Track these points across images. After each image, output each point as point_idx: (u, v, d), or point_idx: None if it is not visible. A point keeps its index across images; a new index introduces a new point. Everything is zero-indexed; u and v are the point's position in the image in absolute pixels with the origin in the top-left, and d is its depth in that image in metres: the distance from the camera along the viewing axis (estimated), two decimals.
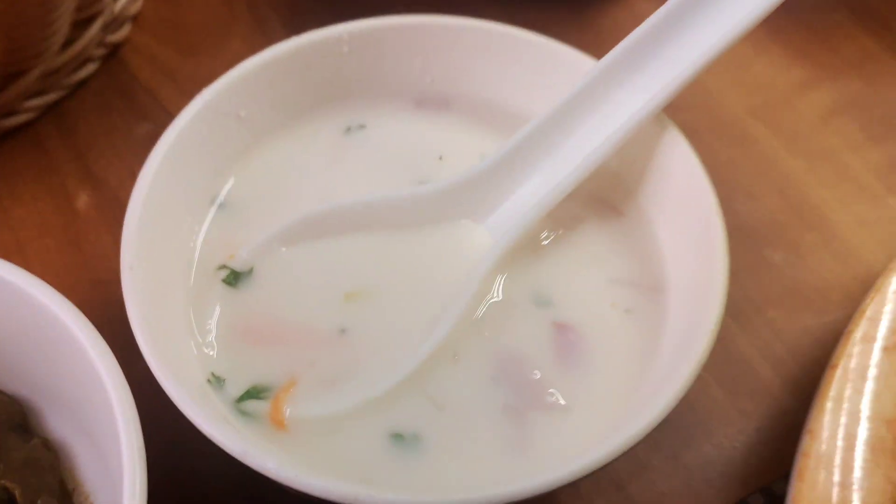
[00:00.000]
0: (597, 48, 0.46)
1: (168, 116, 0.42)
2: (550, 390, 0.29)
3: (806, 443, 0.30)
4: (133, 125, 0.42)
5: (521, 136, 0.32)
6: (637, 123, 0.31)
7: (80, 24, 0.41)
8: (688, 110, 0.44)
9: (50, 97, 0.41)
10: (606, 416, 0.28)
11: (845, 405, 0.30)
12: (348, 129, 0.35)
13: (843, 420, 0.30)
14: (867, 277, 0.39)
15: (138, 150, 0.41)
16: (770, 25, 0.49)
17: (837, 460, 0.29)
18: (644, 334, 0.30)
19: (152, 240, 0.28)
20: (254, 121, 0.33)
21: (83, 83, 0.43)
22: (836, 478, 0.29)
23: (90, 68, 0.43)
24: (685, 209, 0.31)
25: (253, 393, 0.28)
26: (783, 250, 0.40)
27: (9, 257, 0.37)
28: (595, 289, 0.31)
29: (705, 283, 0.28)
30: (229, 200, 0.33)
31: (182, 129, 0.30)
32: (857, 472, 0.29)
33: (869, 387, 0.31)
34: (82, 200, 0.40)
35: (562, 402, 0.29)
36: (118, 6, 0.43)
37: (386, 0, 0.48)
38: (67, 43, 0.41)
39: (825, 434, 0.30)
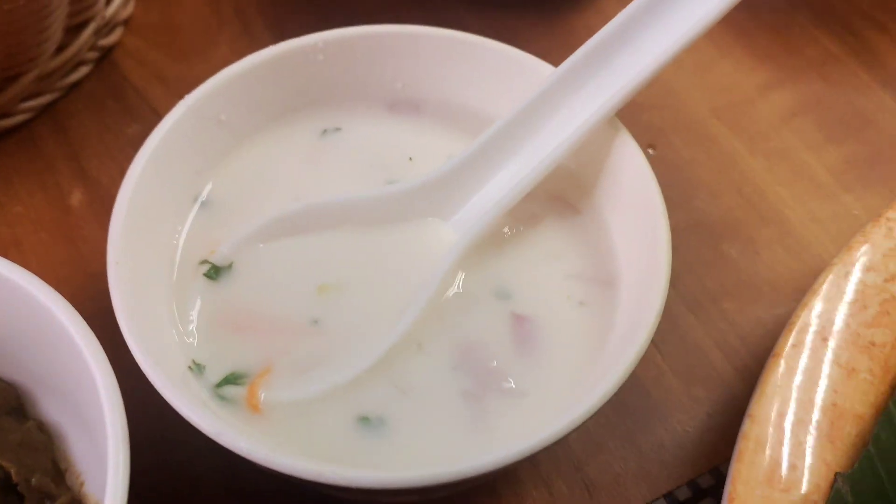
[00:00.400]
0: (568, 51, 0.49)
1: (157, 117, 0.44)
2: (508, 377, 0.31)
3: (746, 426, 0.32)
4: (124, 126, 0.44)
5: (484, 139, 0.34)
6: (591, 127, 0.33)
7: (74, 30, 0.43)
8: (653, 110, 0.47)
9: (44, 99, 0.44)
10: (559, 400, 0.31)
11: (782, 391, 0.32)
12: (324, 132, 0.37)
13: (779, 406, 0.32)
14: (818, 271, 0.41)
15: (129, 149, 0.43)
16: (735, 27, 0.52)
17: (773, 442, 0.31)
18: (596, 325, 0.32)
19: (137, 237, 0.31)
20: (234, 124, 0.35)
21: (76, 85, 0.45)
22: (773, 459, 0.31)
23: (83, 71, 0.45)
24: (636, 210, 0.33)
25: (231, 379, 0.30)
26: (740, 245, 0.42)
27: (6, 251, 0.40)
28: (552, 282, 0.33)
29: (651, 279, 0.30)
30: (210, 199, 0.35)
31: (166, 133, 0.32)
32: (792, 454, 0.31)
33: (804, 374, 0.33)
34: (76, 197, 0.42)
35: (518, 387, 0.31)
36: (110, 11, 0.45)
37: (366, 6, 0.50)
38: (61, 47, 0.43)
39: (763, 418, 0.32)
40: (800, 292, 0.40)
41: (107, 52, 0.47)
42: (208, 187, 0.35)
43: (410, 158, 0.36)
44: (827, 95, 0.48)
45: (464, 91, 0.37)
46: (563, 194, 0.35)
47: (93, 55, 0.45)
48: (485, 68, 0.36)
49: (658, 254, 0.31)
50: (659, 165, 0.44)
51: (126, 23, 0.48)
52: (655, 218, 0.32)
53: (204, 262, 0.33)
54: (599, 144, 0.34)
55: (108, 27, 0.46)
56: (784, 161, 0.45)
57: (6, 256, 0.39)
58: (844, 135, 0.46)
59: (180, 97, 0.45)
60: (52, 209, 0.41)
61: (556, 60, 0.48)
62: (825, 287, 0.35)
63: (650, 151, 0.45)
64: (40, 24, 0.39)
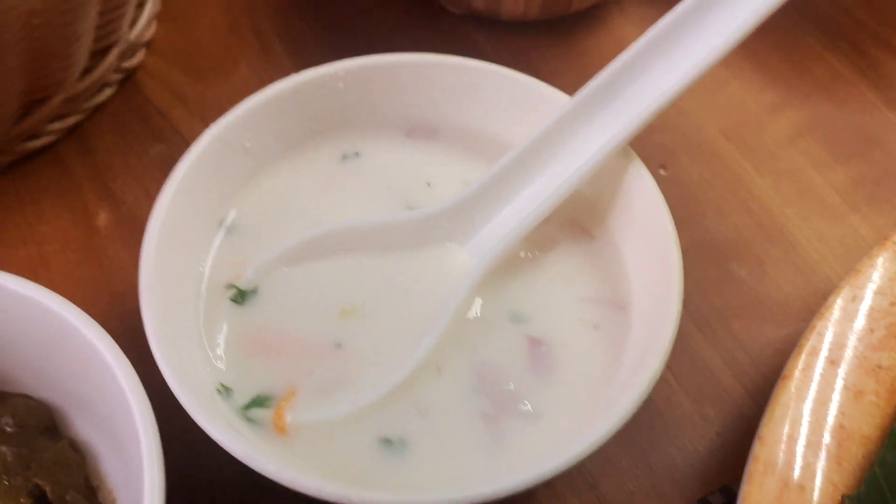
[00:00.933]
0: (580, 72, 0.50)
1: (179, 137, 0.46)
2: (524, 399, 0.32)
3: (756, 448, 0.33)
4: (148, 146, 0.46)
5: (501, 166, 0.35)
6: (605, 156, 0.34)
7: (99, 53, 0.44)
8: (664, 131, 0.47)
9: (70, 120, 0.45)
10: (574, 422, 0.32)
11: (792, 414, 0.33)
12: (344, 157, 0.38)
13: (788, 428, 0.33)
14: (826, 291, 0.42)
15: (152, 170, 0.45)
16: (744, 47, 0.52)
17: (783, 465, 0.32)
18: (609, 348, 0.33)
19: (167, 263, 0.32)
20: (257, 151, 0.36)
21: (101, 106, 0.46)
22: (782, 481, 0.32)
23: (107, 93, 0.46)
24: (647, 236, 0.34)
25: (258, 401, 0.31)
26: (748, 265, 0.43)
27: (35, 270, 0.41)
28: (566, 305, 0.34)
29: (664, 304, 0.31)
30: (235, 224, 0.36)
31: (193, 161, 0.33)
32: (802, 476, 0.32)
33: (813, 397, 0.34)
34: (101, 217, 0.43)
35: (534, 409, 0.32)
36: (133, 34, 0.46)
37: (382, 27, 0.51)
38: (86, 70, 0.44)
39: (773, 441, 0.33)
40: (807, 312, 0.41)
41: (130, 74, 0.48)
42: (232, 213, 0.36)
43: (428, 183, 0.37)
44: (834, 115, 0.49)
45: (479, 117, 0.38)
46: (577, 218, 0.36)
47: (116, 77, 0.47)
48: (499, 95, 0.37)
49: (670, 280, 0.32)
50: (669, 185, 0.45)
51: (148, 44, 0.49)
52: (667, 245, 0.33)
53: (230, 286, 0.34)
54: (612, 170, 0.35)
55: (131, 49, 0.47)
56: (792, 181, 0.46)
57: (35, 276, 0.41)
58: (852, 155, 0.47)
59: (201, 118, 0.47)
60: (79, 229, 0.42)
61: (568, 81, 0.49)
62: (833, 311, 0.36)
63: (661, 172, 0.46)
64: (67, 49, 0.40)
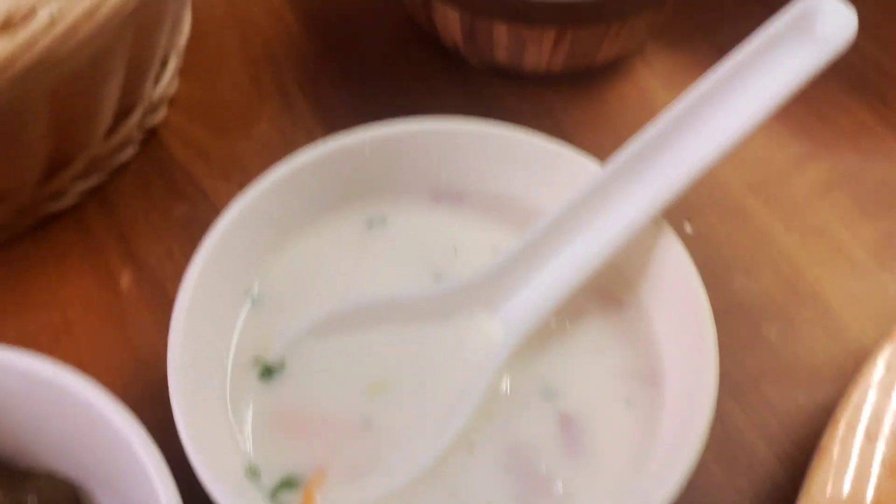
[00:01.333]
0: (604, 125, 0.50)
1: (202, 196, 0.46)
2: (556, 479, 0.32)
3: None
4: (171, 205, 0.45)
5: (531, 235, 0.35)
6: (639, 227, 0.34)
7: (122, 113, 0.44)
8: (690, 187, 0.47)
9: (93, 180, 0.45)
10: None
11: (829, 489, 0.33)
12: (370, 223, 0.38)
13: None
14: (858, 353, 0.41)
15: (175, 230, 0.45)
16: None
17: None
18: (643, 425, 0.33)
19: (195, 344, 0.31)
20: (283, 220, 0.36)
21: (124, 165, 0.46)
22: None
23: (130, 151, 0.46)
24: (679, 308, 0.33)
25: (287, 483, 0.31)
26: (778, 327, 0.42)
27: (59, 337, 0.41)
28: (597, 380, 0.34)
29: (699, 380, 0.31)
30: (261, 296, 0.35)
31: (219, 236, 0.33)
32: None
33: (851, 472, 0.33)
34: (125, 280, 0.43)
35: (566, 491, 0.31)
36: (157, 92, 0.46)
37: (404, 79, 0.51)
38: (110, 131, 0.44)
39: None
40: (840, 377, 0.41)
41: (153, 131, 0.48)
42: (258, 284, 0.36)
43: (455, 250, 0.37)
44: (861, 168, 0.48)
45: (507, 182, 0.38)
46: (605, 286, 0.36)
47: (139, 135, 0.46)
48: (527, 161, 0.37)
49: (705, 356, 0.31)
50: (696, 243, 0.45)
51: (171, 100, 0.49)
52: (701, 318, 0.32)
53: (257, 361, 0.34)
54: (641, 236, 0.35)
55: (154, 107, 0.47)
56: (820, 238, 0.45)
57: (59, 343, 0.41)
58: (880, 209, 0.47)
59: (224, 176, 0.47)
60: (102, 292, 0.42)
61: (593, 134, 0.49)
62: (869, 380, 0.35)
63: (687, 229, 0.45)
64: (93, 113, 0.40)
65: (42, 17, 0.31)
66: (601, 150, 0.48)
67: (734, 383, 0.40)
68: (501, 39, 0.46)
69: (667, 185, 0.33)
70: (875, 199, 0.47)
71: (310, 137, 0.48)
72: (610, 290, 0.36)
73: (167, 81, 0.47)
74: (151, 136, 0.48)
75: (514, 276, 0.35)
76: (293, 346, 0.34)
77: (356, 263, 0.37)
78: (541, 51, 0.47)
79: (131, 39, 0.38)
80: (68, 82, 0.36)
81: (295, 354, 0.34)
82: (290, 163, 0.35)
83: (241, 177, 0.46)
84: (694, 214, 0.46)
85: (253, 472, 0.31)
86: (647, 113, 0.50)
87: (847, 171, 0.48)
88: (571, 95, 0.51)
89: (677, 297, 0.34)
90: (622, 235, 0.34)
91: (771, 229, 0.46)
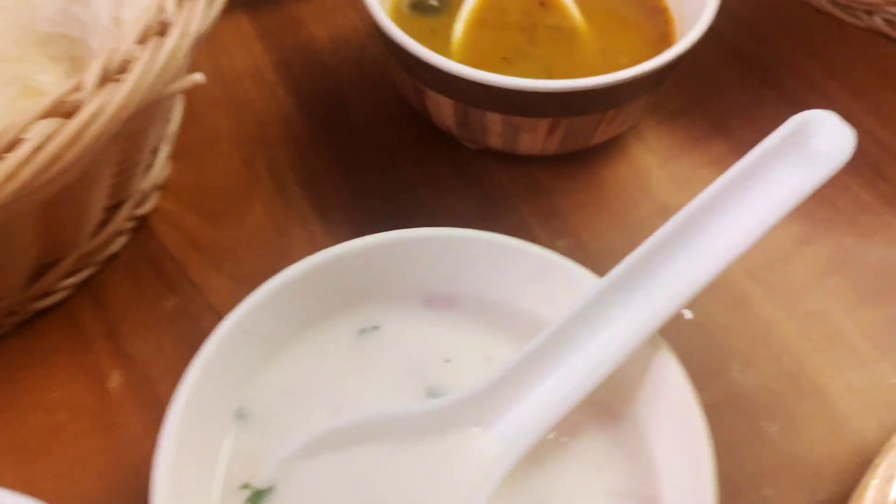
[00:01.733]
0: (600, 205, 0.49)
1: (193, 288, 0.45)
2: None
3: None
4: (161, 298, 0.45)
5: (525, 353, 0.34)
6: (636, 344, 0.33)
7: (112, 208, 0.44)
8: None
9: (83, 274, 0.44)
10: None
11: None
12: (362, 332, 0.37)
13: None
14: (858, 450, 0.41)
15: (165, 324, 0.44)
16: None
17: None
18: None
19: (182, 471, 0.31)
20: (274, 334, 0.35)
21: (114, 256, 0.46)
22: None
23: (121, 241, 0.46)
24: (676, 427, 0.33)
25: None
26: (779, 421, 0.42)
27: (47, 443, 0.40)
28: (592, 498, 0.33)
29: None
30: (250, 414, 0.35)
31: (209, 357, 0.33)
32: None
33: None
34: (114, 379, 0.42)
35: None
36: (147, 182, 0.46)
37: (396, 163, 0.50)
38: (100, 225, 0.44)
39: None
40: (841, 475, 0.40)
41: (144, 220, 0.47)
42: (247, 402, 0.35)
43: (447, 360, 0.37)
44: (860, 250, 0.48)
45: (500, 288, 0.37)
46: (602, 400, 0.35)
47: (130, 225, 0.46)
48: (521, 270, 0.36)
49: (702, 479, 0.31)
50: (695, 332, 0.44)
51: (162, 186, 0.48)
52: (698, 438, 0.32)
53: (246, 486, 0.33)
54: (639, 352, 0.34)
55: (145, 196, 0.46)
56: (820, 325, 0.45)
57: (46, 448, 0.40)
58: (880, 294, 0.46)
59: (215, 265, 0.46)
60: (91, 393, 0.42)
61: (587, 214, 0.48)
62: (869, 491, 0.35)
63: (687, 316, 0.45)
64: (81, 215, 0.40)
65: (26, 146, 0.30)
66: (597, 231, 0.48)
67: (734, 485, 0.40)
68: (495, 127, 0.46)
69: (663, 303, 0.33)
70: (874, 284, 0.46)
71: (302, 223, 0.48)
72: (605, 403, 0.35)
73: (158, 170, 0.47)
74: (142, 224, 0.47)
75: (509, 392, 0.34)
76: (282, 469, 0.33)
77: (347, 376, 0.36)
78: (535, 137, 0.46)
79: (119, 148, 0.38)
80: (54, 195, 0.35)
81: (285, 477, 0.33)
82: (278, 277, 0.35)
83: (233, 267, 0.46)
84: (693, 301, 0.45)
85: None
86: (642, 192, 0.50)
87: (846, 254, 0.48)
88: (566, 175, 0.50)
89: (674, 416, 0.33)
90: (620, 353, 0.33)
91: (770, 316, 0.45)
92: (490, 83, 0.42)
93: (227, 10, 0.58)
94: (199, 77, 0.35)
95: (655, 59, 0.43)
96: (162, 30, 0.35)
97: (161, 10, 0.35)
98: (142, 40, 0.34)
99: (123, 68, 0.33)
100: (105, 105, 0.32)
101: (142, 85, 0.33)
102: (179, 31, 0.34)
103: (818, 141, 0.32)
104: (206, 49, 0.55)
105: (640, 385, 0.35)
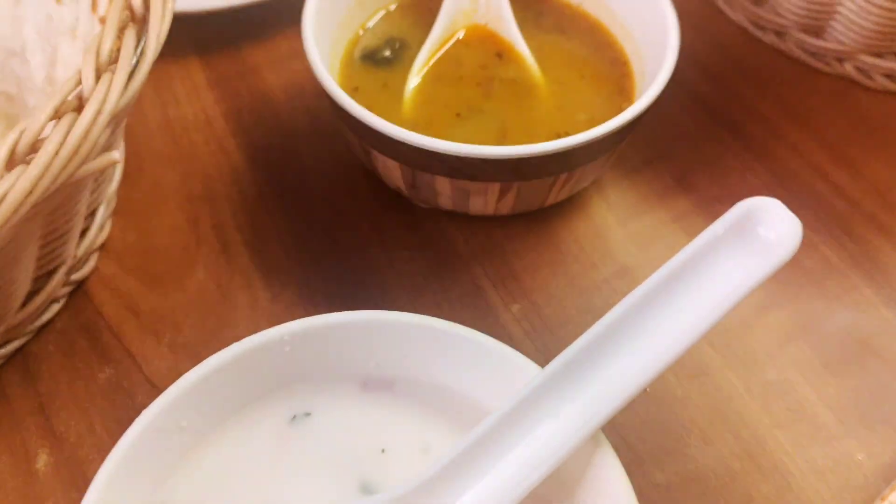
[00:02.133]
0: (556, 266, 0.47)
1: (129, 360, 0.43)
2: None
3: None
4: (95, 370, 0.43)
5: (463, 447, 0.32)
6: (580, 441, 0.31)
7: (43, 277, 0.42)
8: None
9: (13, 345, 0.42)
10: None
11: None
12: (293, 418, 0.35)
13: None
14: None
15: (99, 399, 0.42)
16: None
17: None
18: None
19: None
20: (196, 426, 0.34)
21: (48, 324, 0.44)
22: None
23: (54, 309, 0.44)
24: None
25: None
26: None
27: None
28: None
29: None
30: None
31: (119, 459, 0.31)
32: None
33: None
34: (41, 460, 0.40)
35: None
36: (83, 247, 0.44)
37: (346, 219, 0.49)
38: (31, 294, 0.42)
39: None
40: None
41: (80, 284, 0.45)
42: (165, 500, 0.33)
43: (383, 450, 0.35)
44: (827, 316, 0.46)
45: (438, 373, 0.35)
46: (542, 493, 0.33)
47: (65, 291, 0.44)
48: (459, 355, 0.35)
49: None
50: (651, 404, 0.43)
51: (102, 246, 0.47)
52: None
53: None
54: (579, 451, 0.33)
55: (82, 261, 0.44)
56: (782, 397, 0.43)
57: None
58: (846, 363, 0.44)
59: (154, 333, 0.44)
60: (17, 475, 0.40)
61: (542, 276, 0.47)
62: None
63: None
64: (3, 292, 0.38)
65: None
66: (553, 294, 0.46)
67: None
68: (444, 190, 0.44)
69: (606, 401, 0.31)
70: (840, 351, 0.45)
71: (247, 286, 0.46)
72: (545, 496, 0.33)
73: (96, 232, 0.45)
74: (79, 288, 0.46)
75: (445, 490, 0.32)
76: None
77: (276, 467, 0.34)
78: (486, 200, 0.45)
79: (42, 223, 0.36)
80: None
81: None
82: (199, 368, 0.33)
83: (172, 335, 0.44)
84: None
85: None
86: (601, 253, 0.48)
87: (812, 319, 0.46)
88: (522, 233, 0.49)
89: None
90: (563, 448, 0.31)
91: (730, 388, 0.43)
92: (436, 149, 0.40)
93: (179, 55, 0.57)
94: (116, 156, 0.33)
95: (609, 122, 0.41)
96: (78, 105, 0.33)
97: (78, 82, 0.33)
98: (56, 116, 0.32)
99: (34, 148, 0.31)
100: (10, 191, 0.30)
101: (52, 168, 0.31)
102: (95, 109, 0.32)
103: (765, 230, 0.30)
104: (155, 98, 0.53)
105: (581, 480, 0.33)
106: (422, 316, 0.35)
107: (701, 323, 0.30)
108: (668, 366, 0.31)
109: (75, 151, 0.32)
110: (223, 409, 0.34)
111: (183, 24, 0.57)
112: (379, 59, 0.50)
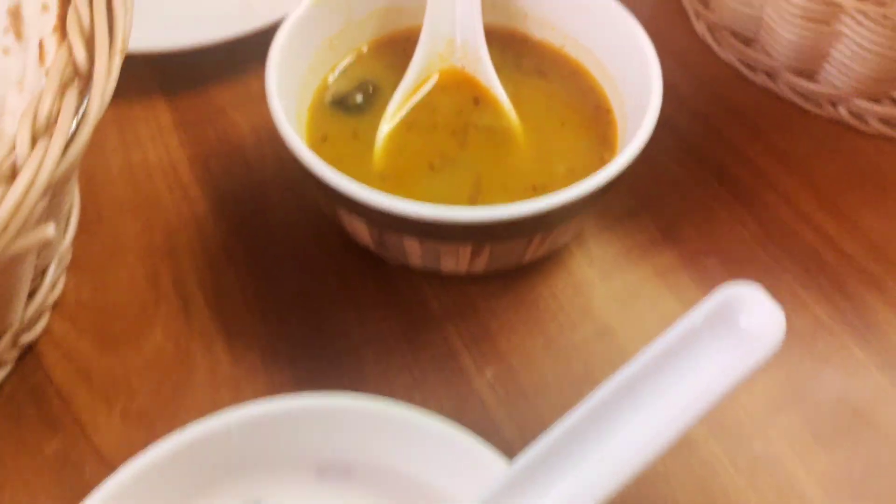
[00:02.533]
0: (533, 325, 0.45)
1: (79, 430, 0.41)
2: None
3: None
4: (43, 440, 0.41)
5: None
6: None
7: None
8: None
9: None
10: None
11: None
12: None
13: None
14: None
15: (45, 474, 0.40)
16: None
17: None
18: None
19: None
20: None
21: None
22: None
23: (2, 374, 0.41)
24: None
25: None
26: None
27: None
28: None
29: None
30: None
31: None
32: None
33: None
34: None
35: None
36: (32, 309, 0.42)
37: (312, 272, 0.46)
38: None
39: None
40: None
41: (31, 346, 0.43)
42: None
43: None
44: (817, 382, 0.44)
45: (399, 460, 0.33)
46: None
47: (13, 354, 0.42)
48: (421, 442, 0.32)
49: None
50: (633, 482, 0.40)
51: (55, 303, 0.44)
52: None
53: None
54: None
55: (31, 322, 0.42)
56: (770, 473, 0.41)
57: None
58: (837, 435, 0.42)
59: (105, 400, 0.42)
60: None
61: (519, 336, 0.44)
62: None
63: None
64: None
65: None
66: (530, 357, 0.44)
67: None
68: (414, 250, 0.42)
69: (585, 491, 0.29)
70: (830, 421, 0.42)
71: (207, 349, 0.44)
72: None
73: (46, 292, 0.43)
74: (28, 352, 0.43)
75: None
76: None
77: None
78: (458, 261, 0.42)
79: None
80: None
81: None
82: (135, 462, 0.31)
83: (126, 402, 0.42)
84: None
85: None
86: (582, 312, 0.46)
87: (800, 384, 0.44)
88: (498, 291, 0.46)
89: None
90: None
91: (716, 462, 0.41)
92: (403, 213, 0.38)
93: (144, 95, 0.55)
94: (49, 232, 0.31)
95: (590, 178, 0.39)
96: (10, 174, 0.31)
97: (11, 149, 0.31)
98: None
99: None
100: None
101: None
102: (28, 180, 0.30)
103: (747, 319, 0.28)
104: (117, 141, 0.51)
105: None
106: (380, 400, 0.33)
107: (675, 426, 0.28)
108: (636, 472, 0.29)
109: (4, 228, 0.29)
110: (167, 500, 0.32)
111: (149, 64, 0.55)
112: (350, 106, 0.47)
